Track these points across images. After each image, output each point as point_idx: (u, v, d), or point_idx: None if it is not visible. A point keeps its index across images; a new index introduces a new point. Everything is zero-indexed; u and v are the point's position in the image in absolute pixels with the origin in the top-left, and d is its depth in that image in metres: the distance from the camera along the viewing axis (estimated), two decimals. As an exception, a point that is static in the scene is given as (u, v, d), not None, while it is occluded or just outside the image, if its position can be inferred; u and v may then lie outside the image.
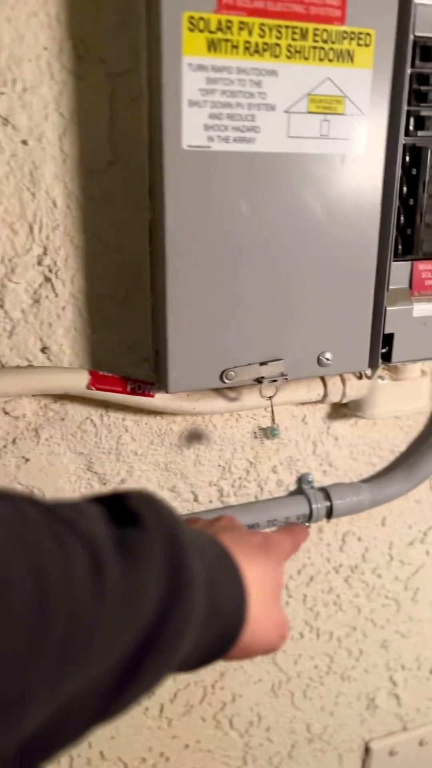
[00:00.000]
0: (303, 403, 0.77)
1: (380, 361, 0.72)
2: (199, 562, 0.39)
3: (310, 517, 0.79)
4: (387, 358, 0.72)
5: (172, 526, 0.38)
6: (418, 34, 0.61)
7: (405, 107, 0.63)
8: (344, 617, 0.91)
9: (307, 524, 0.79)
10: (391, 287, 0.70)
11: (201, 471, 0.75)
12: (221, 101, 0.56)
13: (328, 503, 0.79)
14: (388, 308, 0.69)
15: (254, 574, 0.45)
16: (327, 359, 0.68)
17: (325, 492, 0.80)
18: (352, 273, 0.66)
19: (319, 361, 0.68)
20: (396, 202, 0.66)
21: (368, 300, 0.68)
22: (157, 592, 0.35)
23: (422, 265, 0.70)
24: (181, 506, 0.76)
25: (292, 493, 0.81)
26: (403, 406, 0.78)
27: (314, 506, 0.78)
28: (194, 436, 0.73)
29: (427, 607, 0.97)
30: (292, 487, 0.81)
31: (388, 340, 0.71)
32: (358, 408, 0.77)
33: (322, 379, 0.74)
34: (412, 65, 0.63)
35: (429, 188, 0.67)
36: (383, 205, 0.65)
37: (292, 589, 0.86)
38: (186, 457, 0.74)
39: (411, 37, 0.61)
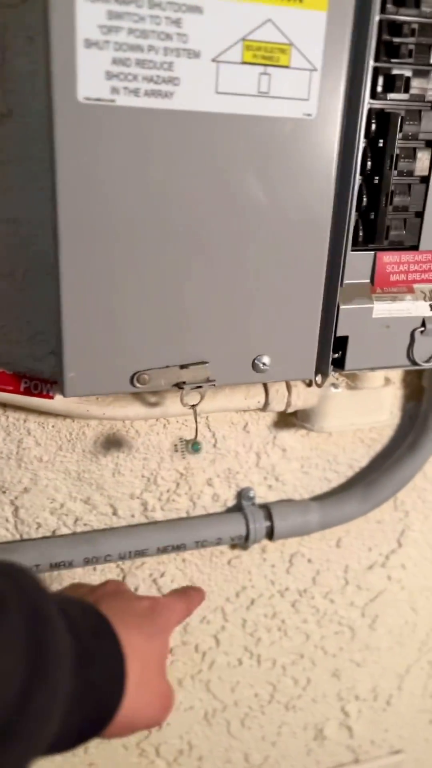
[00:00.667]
0: (243, 410, 0.67)
1: (331, 367, 0.61)
2: (68, 636, 0.36)
3: (247, 538, 0.69)
4: (339, 364, 0.61)
5: (36, 600, 0.35)
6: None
7: (371, 63, 0.52)
8: (290, 644, 0.82)
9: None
10: (346, 281, 0.59)
11: (121, 482, 0.65)
12: (128, 43, 0.45)
13: (268, 523, 0.69)
14: (342, 306, 0.58)
15: (136, 643, 0.42)
16: (264, 364, 0.57)
17: (267, 510, 0.70)
18: (298, 263, 0.55)
19: (254, 366, 0.57)
20: (356, 180, 0.55)
21: (317, 296, 0.57)
22: (15, 673, 0.32)
23: (387, 257, 0.59)
24: (97, 520, 0.66)
25: (229, 510, 0.72)
26: (360, 419, 0.67)
27: (252, 526, 0.69)
28: (112, 443, 0.63)
29: (387, 635, 0.88)
30: (231, 502, 0.72)
31: (341, 343, 0.60)
32: (307, 419, 0.67)
33: (264, 384, 0.64)
34: (382, 10, 0.51)
35: (398, 163, 0.55)
36: (340, 182, 0.54)
37: (229, 613, 0.77)
38: (103, 465, 0.64)
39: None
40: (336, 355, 0.61)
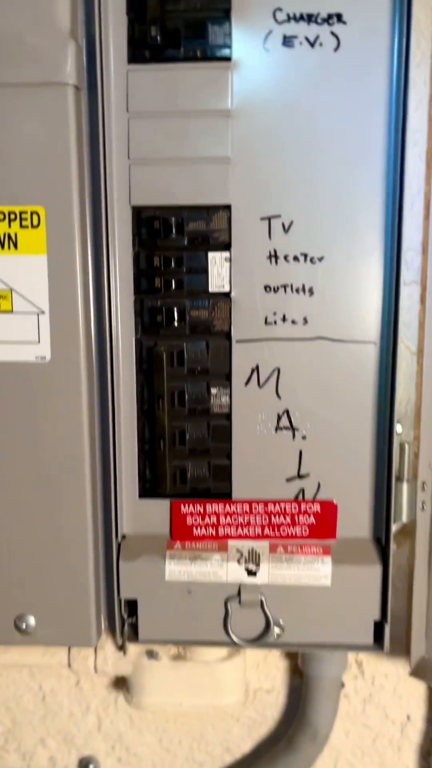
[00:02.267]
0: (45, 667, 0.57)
1: (125, 635, 0.50)
2: None
3: None
4: (134, 631, 0.50)
5: None
6: (135, 203, 0.45)
7: (120, 299, 0.47)
8: None
9: None
10: (136, 533, 0.49)
11: None
12: None
13: None
14: (122, 564, 0.49)
15: None
16: (27, 625, 0.49)
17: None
18: (61, 513, 0.48)
19: (17, 626, 0.49)
20: (119, 423, 0.48)
21: (85, 550, 0.48)
22: None
23: (186, 506, 0.49)
24: None
25: (62, 785, 0.60)
26: (193, 699, 0.53)
27: None
28: None
29: None
30: (67, 772, 0.60)
31: (132, 608, 0.50)
32: (127, 689, 0.55)
33: (68, 641, 0.54)
34: (139, 243, 0.46)
35: (169, 406, 0.47)
36: (102, 427, 0.47)
37: None
38: None
39: (129, 209, 0.45)
40: (131, 620, 0.50)
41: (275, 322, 0.46)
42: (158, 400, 0.47)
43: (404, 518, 0.48)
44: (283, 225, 0.45)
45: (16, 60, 0.42)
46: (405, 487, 0.48)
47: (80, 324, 0.45)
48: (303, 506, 0.48)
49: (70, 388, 0.46)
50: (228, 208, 0.45)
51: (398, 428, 0.47)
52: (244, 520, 0.49)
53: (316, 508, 0.48)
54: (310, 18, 0.42)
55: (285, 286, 0.46)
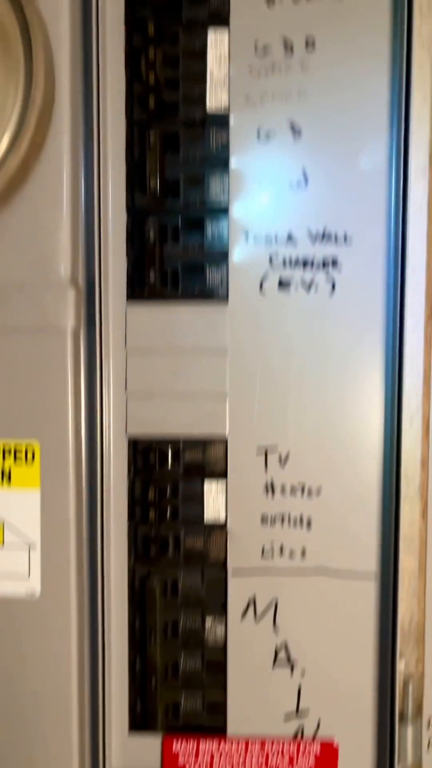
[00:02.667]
0: None
1: None
2: None
3: None
4: None
5: None
6: (132, 434, 0.45)
7: (114, 527, 0.46)
8: None
9: None
10: (124, 772, 0.47)
11: None
12: None
13: None
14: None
15: None
16: None
17: None
18: (47, 747, 0.45)
19: None
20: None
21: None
22: None
23: (178, 743, 0.47)
24: None
25: None
26: None
27: None
28: None
29: None
30: None
31: None
32: None
33: None
34: (135, 471, 0.45)
35: (162, 639, 0.45)
36: (92, 660, 0.45)
37: None
38: None
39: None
40: None
41: (272, 554, 0.45)
42: (150, 633, 0.45)
43: (409, 759, 0.46)
44: (280, 456, 0.45)
45: (16, 306, 0.42)
46: (409, 727, 0.45)
47: (72, 558, 0.44)
48: (302, 746, 0.46)
49: (60, 623, 0.44)
50: (224, 439, 0.45)
51: (401, 666, 0.45)
52: (239, 759, 0.46)
53: (317, 749, 0.46)
54: (305, 263, 0.44)
55: (282, 518, 0.45)
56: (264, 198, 0.43)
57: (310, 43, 0.42)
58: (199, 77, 0.43)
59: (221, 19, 0.43)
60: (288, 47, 0.43)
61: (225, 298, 0.44)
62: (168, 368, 0.44)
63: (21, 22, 0.39)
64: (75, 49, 0.42)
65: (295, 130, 0.43)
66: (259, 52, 0.43)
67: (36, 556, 0.44)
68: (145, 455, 0.45)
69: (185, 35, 0.43)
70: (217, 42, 0.43)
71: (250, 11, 0.43)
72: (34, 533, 0.44)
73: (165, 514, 0.45)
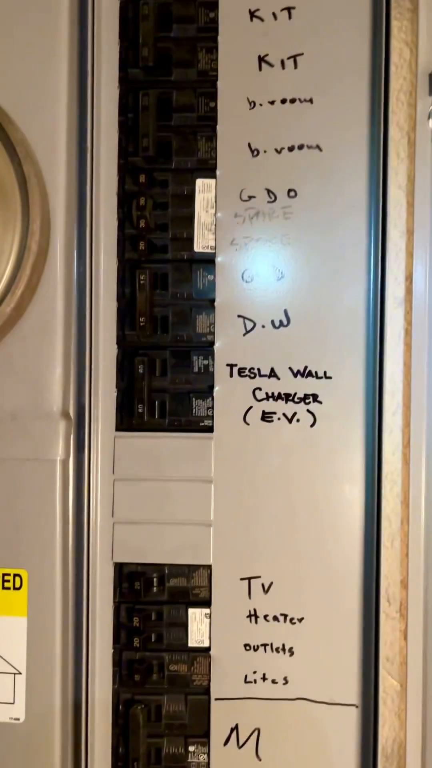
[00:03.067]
0: None
1: None
2: None
3: None
4: None
5: None
6: (118, 560, 0.46)
7: (99, 652, 0.46)
8: None
9: None
10: None
11: None
12: None
13: None
14: None
15: None
16: None
17: None
18: None
19: None
20: None
21: None
22: None
23: None
24: None
25: None
26: None
27: None
28: None
29: None
30: None
31: None
32: None
33: None
34: (120, 595, 0.46)
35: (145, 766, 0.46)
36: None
37: None
38: None
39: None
40: None
41: (255, 681, 0.46)
42: (134, 760, 0.45)
43: None
44: (263, 585, 0.46)
45: (7, 435, 0.44)
46: None
47: (57, 685, 0.44)
48: None
49: (44, 749, 0.44)
50: (209, 566, 0.46)
51: (383, 796, 0.45)
52: None
53: None
54: (288, 397, 0.45)
55: (265, 645, 0.46)
56: (248, 335, 0.45)
57: (292, 191, 0.45)
58: (187, 221, 0.46)
59: (209, 168, 0.45)
60: (271, 195, 0.45)
61: (210, 429, 0.46)
62: (154, 496, 0.46)
63: (19, 176, 0.42)
64: (70, 195, 0.45)
65: (278, 272, 0.45)
66: (244, 199, 0.45)
67: (21, 682, 0.44)
68: (130, 581, 0.46)
69: (174, 182, 0.46)
70: (204, 189, 0.45)
71: (235, 160, 0.45)
72: (20, 661, 0.44)
73: (149, 639, 0.46)
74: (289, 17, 0.45)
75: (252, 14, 0.45)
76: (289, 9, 0.45)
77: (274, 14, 0.45)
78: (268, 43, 0.45)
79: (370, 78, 0.45)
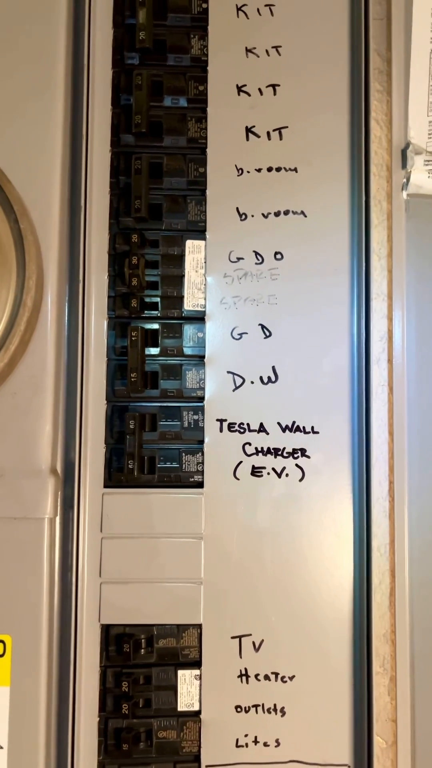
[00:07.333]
0: None
1: None
2: None
3: None
4: None
5: None
6: (105, 621, 0.45)
7: (84, 720, 0.44)
8: None
9: None
10: None
11: None
12: None
13: None
14: None
15: None
16: None
17: None
18: None
19: None
20: None
21: None
22: None
23: None
24: None
25: None
26: None
27: None
28: None
29: None
30: None
31: None
32: None
33: None
34: (107, 658, 0.45)
35: None
36: None
37: None
38: None
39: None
40: None
41: (246, 745, 0.44)
42: None
43: None
44: (254, 643, 0.45)
45: (-5, 496, 0.43)
46: None
47: (41, 758, 0.42)
48: None
49: None
50: (199, 626, 0.45)
51: None
52: None
53: None
54: (277, 452, 0.46)
55: (256, 706, 0.45)
56: (238, 390, 0.46)
57: (278, 254, 0.47)
58: (177, 279, 0.47)
59: (198, 230, 0.47)
60: (259, 257, 0.47)
61: (201, 484, 0.46)
62: (143, 554, 0.45)
63: (15, 233, 0.42)
64: (62, 252, 0.45)
65: (266, 331, 0.47)
66: (233, 260, 0.47)
67: (2, 757, 0.42)
68: (117, 642, 0.45)
69: (165, 243, 0.47)
70: (194, 250, 0.47)
71: (224, 223, 0.47)
72: (2, 733, 0.42)
73: (137, 704, 0.44)
74: (274, 93, 0.48)
75: (239, 89, 0.48)
76: (274, 86, 0.48)
77: (260, 90, 0.48)
78: (255, 115, 0.48)
79: (349, 151, 0.48)
